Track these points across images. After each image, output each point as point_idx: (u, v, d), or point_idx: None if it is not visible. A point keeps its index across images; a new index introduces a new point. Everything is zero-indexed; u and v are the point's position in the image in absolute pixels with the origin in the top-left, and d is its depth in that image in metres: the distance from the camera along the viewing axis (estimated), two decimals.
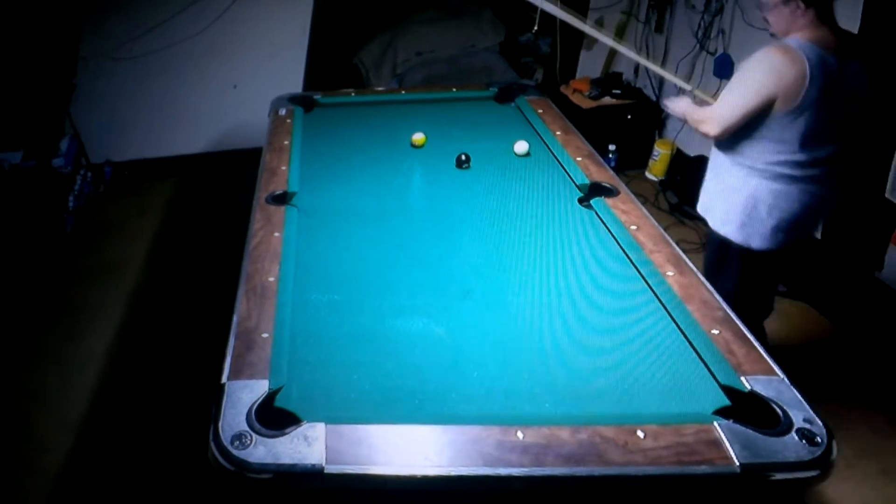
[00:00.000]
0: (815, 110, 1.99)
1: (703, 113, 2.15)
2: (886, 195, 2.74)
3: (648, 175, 4.40)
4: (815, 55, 1.96)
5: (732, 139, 2.13)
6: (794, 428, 1.29)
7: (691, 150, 4.17)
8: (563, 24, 4.43)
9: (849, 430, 2.46)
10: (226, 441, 1.26)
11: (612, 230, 2.03)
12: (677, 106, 2.31)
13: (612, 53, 4.64)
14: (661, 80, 4.37)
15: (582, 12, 4.47)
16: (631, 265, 1.87)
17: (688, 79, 4.07)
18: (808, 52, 1.96)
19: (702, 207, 2.36)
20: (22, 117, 3.84)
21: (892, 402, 2.62)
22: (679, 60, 4.11)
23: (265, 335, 1.55)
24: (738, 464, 1.22)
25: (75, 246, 3.87)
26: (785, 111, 2.00)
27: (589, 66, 4.71)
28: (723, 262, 2.30)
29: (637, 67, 4.52)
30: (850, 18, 2.78)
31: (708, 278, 1.82)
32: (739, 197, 2.17)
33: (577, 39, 4.61)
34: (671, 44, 4.25)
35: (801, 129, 2.02)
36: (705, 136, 2.14)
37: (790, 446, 1.26)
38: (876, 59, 2.61)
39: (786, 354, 2.71)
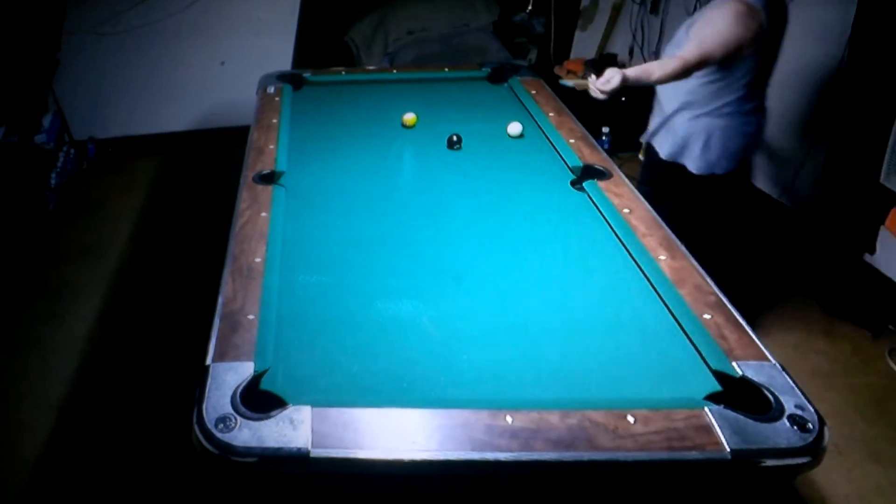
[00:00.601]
0: (767, 54, 2.32)
1: (673, 64, 2.26)
2: (881, 181, 2.75)
3: (642, 158, 4.37)
4: (763, 4, 2.22)
5: (687, 88, 2.39)
6: (786, 414, 1.28)
7: None
8: (558, 3, 4.41)
9: (839, 416, 2.47)
10: (210, 424, 1.24)
11: (604, 213, 2.01)
12: (617, 79, 2.31)
13: (607, 35, 4.60)
14: None
15: None
16: (623, 249, 1.85)
17: None
18: (758, 3, 2.22)
19: (656, 141, 2.62)
20: (4, 93, 3.76)
21: (881, 388, 2.63)
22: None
23: (251, 317, 1.53)
24: (728, 449, 1.21)
25: (57, 224, 3.82)
26: (746, 58, 2.27)
27: (583, 46, 4.67)
28: (671, 186, 2.56)
29: (632, 49, 4.48)
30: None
31: (650, 199, 2.08)
32: (692, 133, 2.45)
33: (572, 20, 4.56)
34: (666, 26, 4.21)
35: (754, 73, 2.32)
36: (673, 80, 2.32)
37: (781, 432, 1.25)
38: (871, 46, 2.63)
39: (776, 339, 2.74)
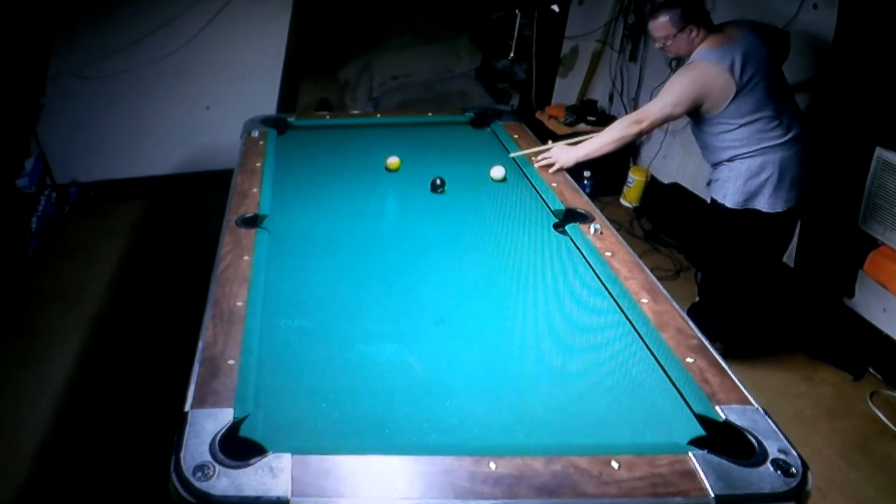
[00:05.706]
0: (752, 87, 2.42)
1: (629, 119, 2.56)
2: (859, 225, 2.80)
3: (623, 202, 4.43)
4: (723, 55, 2.40)
5: (718, 139, 2.53)
6: (769, 458, 1.28)
7: (665, 178, 4.21)
8: (539, 50, 4.51)
9: (822, 460, 2.46)
10: (188, 472, 1.21)
11: (586, 256, 2.02)
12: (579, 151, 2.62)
13: (588, 81, 4.70)
14: (636, 108, 4.42)
15: (557, 41, 4.55)
16: (606, 292, 1.86)
17: None
18: (718, 56, 2.40)
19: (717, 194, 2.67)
20: None
21: (863, 432, 2.63)
22: (653, 89, 4.16)
23: (231, 362, 1.51)
24: (713, 495, 1.21)
25: (36, 268, 3.76)
26: (728, 100, 2.43)
27: (564, 92, 4.75)
28: (751, 233, 2.63)
29: (611, 95, 4.58)
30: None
31: (725, 259, 2.63)
32: (753, 175, 2.52)
33: (553, 66, 4.66)
34: (645, 72, 4.31)
35: (753, 106, 2.44)
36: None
37: (765, 477, 1.25)
38: (848, 86, 2.71)
39: (758, 383, 2.74)
